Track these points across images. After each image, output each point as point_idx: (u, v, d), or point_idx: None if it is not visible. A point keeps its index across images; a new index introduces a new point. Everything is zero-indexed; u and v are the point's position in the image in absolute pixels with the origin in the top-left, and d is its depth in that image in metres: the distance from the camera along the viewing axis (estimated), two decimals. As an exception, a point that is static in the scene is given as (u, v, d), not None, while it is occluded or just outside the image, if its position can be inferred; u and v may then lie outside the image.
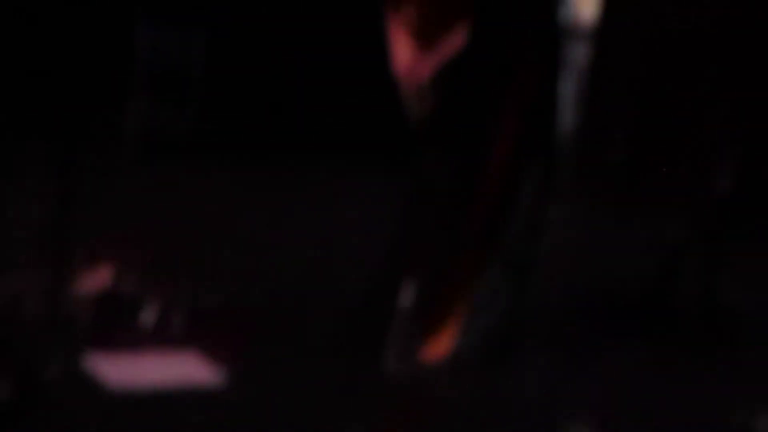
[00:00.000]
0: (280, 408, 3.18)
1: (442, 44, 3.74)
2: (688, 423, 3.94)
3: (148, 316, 3.77)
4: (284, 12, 7.88)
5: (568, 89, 8.10)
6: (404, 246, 4.03)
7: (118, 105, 7.45)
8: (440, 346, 3.80)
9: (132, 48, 7.37)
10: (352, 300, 4.18)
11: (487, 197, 3.87)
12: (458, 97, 3.79)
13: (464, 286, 3.94)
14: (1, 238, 4.39)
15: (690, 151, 7.09)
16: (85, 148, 6.60)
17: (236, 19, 7.80)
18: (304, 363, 3.59)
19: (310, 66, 7.83)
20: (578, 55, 7.67)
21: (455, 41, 3.71)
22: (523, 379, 3.85)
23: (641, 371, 4.15)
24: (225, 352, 3.51)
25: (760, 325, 4.81)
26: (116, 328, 3.64)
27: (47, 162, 3.83)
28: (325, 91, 7.75)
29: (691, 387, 4.39)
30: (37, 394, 2.74)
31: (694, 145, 7.09)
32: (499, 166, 3.84)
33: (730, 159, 6.78)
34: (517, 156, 3.88)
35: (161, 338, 3.64)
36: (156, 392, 3.17)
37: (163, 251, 4.81)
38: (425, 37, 3.72)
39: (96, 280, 3.79)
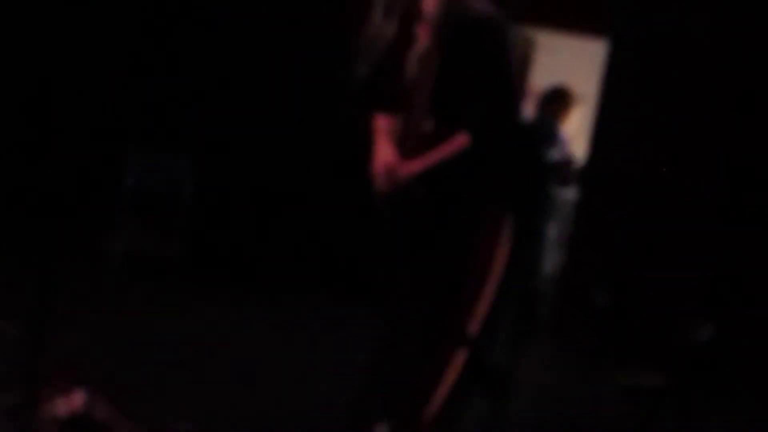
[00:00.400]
0: None
1: (422, 156, 3.83)
2: None
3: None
4: (268, 141, 7.97)
5: (552, 233, 8.10)
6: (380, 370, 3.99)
7: (105, 226, 7.48)
8: None
9: (122, 172, 7.43)
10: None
11: (463, 330, 3.84)
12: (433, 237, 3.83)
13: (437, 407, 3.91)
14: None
15: (668, 305, 7.11)
16: (68, 266, 6.58)
17: (221, 149, 7.85)
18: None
19: (293, 195, 7.89)
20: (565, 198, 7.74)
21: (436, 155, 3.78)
22: None
23: None
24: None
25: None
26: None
27: (29, 279, 3.74)
28: (304, 221, 7.82)
29: None
30: None
31: (672, 299, 7.11)
32: (473, 302, 3.82)
33: (704, 315, 6.81)
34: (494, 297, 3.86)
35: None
36: None
37: (141, 372, 4.73)
38: (406, 148, 3.81)
39: (69, 402, 3.65)
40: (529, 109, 8.54)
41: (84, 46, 7.46)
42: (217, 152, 7.81)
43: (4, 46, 7.47)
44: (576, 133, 8.20)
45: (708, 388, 5.97)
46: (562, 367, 6.85)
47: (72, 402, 3.63)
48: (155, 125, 7.79)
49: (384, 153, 3.76)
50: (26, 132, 7.39)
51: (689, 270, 7.08)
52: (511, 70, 3.77)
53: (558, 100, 8.06)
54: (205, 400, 4.52)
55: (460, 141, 3.67)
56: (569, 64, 9.56)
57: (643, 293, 7.19)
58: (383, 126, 3.88)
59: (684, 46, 7.31)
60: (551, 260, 8.22)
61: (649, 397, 6.01)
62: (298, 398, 4.45)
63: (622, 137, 7.61)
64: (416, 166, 3.67)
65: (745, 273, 6.88)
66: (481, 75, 3.67)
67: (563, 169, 7.97)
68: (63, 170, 4.62)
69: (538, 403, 5.90)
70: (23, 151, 7.34)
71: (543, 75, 9.39)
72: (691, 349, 6.60)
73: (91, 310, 5.95)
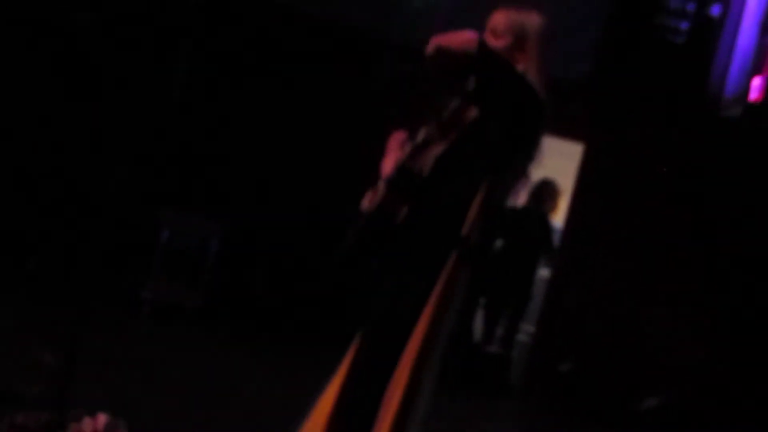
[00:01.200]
0: None
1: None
2: None
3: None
4: (286, 208, 7.99)
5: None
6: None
7: (140, 277, 7.55)
8: None
9: (156, 230, 7.49)
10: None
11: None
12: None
13: None
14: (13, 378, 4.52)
15: (621, 375, 7.18)
16: (105, 309, 6.70)
17: (244, 214, 7.89)
18: None
19: (307, 255, 7.81)
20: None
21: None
22: None
23: None
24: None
25: None
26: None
27: (70, 318, 3.88)
28: (316, 277, 7.73)
29: None
30: None
31: (625, 371, 7.18)
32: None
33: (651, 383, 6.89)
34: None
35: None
36: None
37: (159, 402, 4.77)
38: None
39: (94, 422, 3.81)
40: (521, 199, 8.65)
41: (130, 126, 7.66)
42: (241, 217, 7.85)
43: (58, 118, 7.69)
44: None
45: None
46: (531, 425, 6.86)
47: (96, 423, 3.77)
48: (189, 191, 7.87)
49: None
50: (79, 195, 7.53)
51: (640, 347, 7.22)
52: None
53: (546, 192, 8.21)
54: (215, 429, 4.61)
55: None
56: (554, 161, 9.77)
57: (601, 364, 7.31)
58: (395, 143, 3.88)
59: (645, 150, 7.52)
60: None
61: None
62: None
63: (591, 228, 7.73)
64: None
65: (687, 352, 6.98)
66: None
67: (552, 254, 8.11)
68: (109, 227, 4.74)
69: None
70: (77, 210, 7.42)
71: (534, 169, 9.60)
72: (638, 415, 6.71)
73: (121, 347, 6.07)
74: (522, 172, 3.90)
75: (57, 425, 3.66)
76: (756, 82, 7.24)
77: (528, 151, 3.78)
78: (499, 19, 3.77)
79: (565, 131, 8.32)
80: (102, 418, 3.85)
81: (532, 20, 3.80)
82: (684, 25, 7.45)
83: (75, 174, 7.55)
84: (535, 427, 6.87)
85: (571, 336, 7.59)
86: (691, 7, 7.42)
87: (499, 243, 8.40)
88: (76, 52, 7.62)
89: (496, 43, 3.72)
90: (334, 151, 7.82)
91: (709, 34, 7.42)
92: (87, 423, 3.81)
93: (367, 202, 3.91)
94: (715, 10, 7.38)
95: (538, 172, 9.34)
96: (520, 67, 3.67)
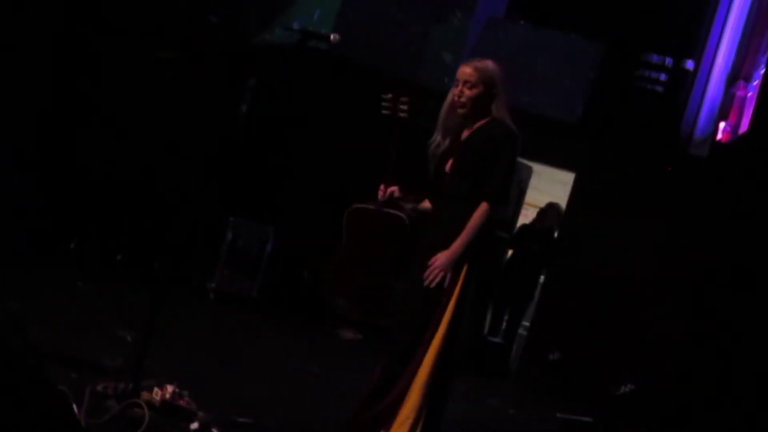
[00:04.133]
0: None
1: None
2: None
3: (194, 425, 3.67)
4: (328, 217, 7.96)
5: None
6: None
7: (208, 271, 7.50)
8: None
9: (223, 233, 7.52)
10: None
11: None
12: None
13: None
14: (97, 351, 4.42)
15: (601, 365, 7.06)
16: (177, 296, 6.65)
17: (295, 221, 7.80)
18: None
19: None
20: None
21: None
22: None
23: None
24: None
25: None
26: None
27: (147, 304, 3.80)
28: None
29: None
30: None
31: (604, 361, 7.06)
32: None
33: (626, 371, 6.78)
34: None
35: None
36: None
37: (217, 376, 4.70)
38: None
39: (162, 392, 3.69)
40: (531, 218, 8.65)
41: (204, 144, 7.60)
42: (293, 223, 7.79)
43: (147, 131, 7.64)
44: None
45: (622, 426, 5.92)
46: (523, 402, 6.76)
47: (164, 392, 3.68)
48: (251, 200, 7.81)
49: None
50: (160, 200, 7.54)
51: (616, 342, 7.06)
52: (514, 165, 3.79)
53: (551, 212, 8.15)
54: (264, 402, 4.48)
55: (483, 208, 3.67)
56: (551, 186, 9.65)
57: (583, 355, 7.14)
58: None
59: (626, 180, 7.37)
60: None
61: (581, 429, 5.96)
62: (335, 407, 4.29)
63: (579, 241, 7.61)
64: (458, 246, 3.64)
65: (657, 347, 6.85)
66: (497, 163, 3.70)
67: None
68: (184, 228, 4.75)
69: (504, 426, 5.85)
70: (158, 212, 7.46)
71: (534, 192, 9.51)
72: (615, 398, 6.59)
73: (189, 329, 6.01)
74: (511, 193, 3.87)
75: (131, 393, 3.54)
76: (722, 126, 7.15)
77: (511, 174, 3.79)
78: (469, 72, 3.80)
79: (561, 162, 8.26)
80: (169, 388, 3.74)
81: (494, 68, 3.85)
82: (662, 77, 7.36)
83: (158, 182, 7.50)
84: (526, 405, 6.74)
85: (560, 330, 7.44)
86: (669, 62, 7.34)
87: (509, 253, 8.33)
88: (165, 79, 7.57)
89: (471, 93, 3.76)
90: (366, 175, 7.67)
91: (683, 84, 7.34)
92: (156, 392, 3.70)
93: (380, 194, 3.96)
94: (689, 65, 7.32)
95: (539, 196, 9.28)
96: (494, 109, 3.77)
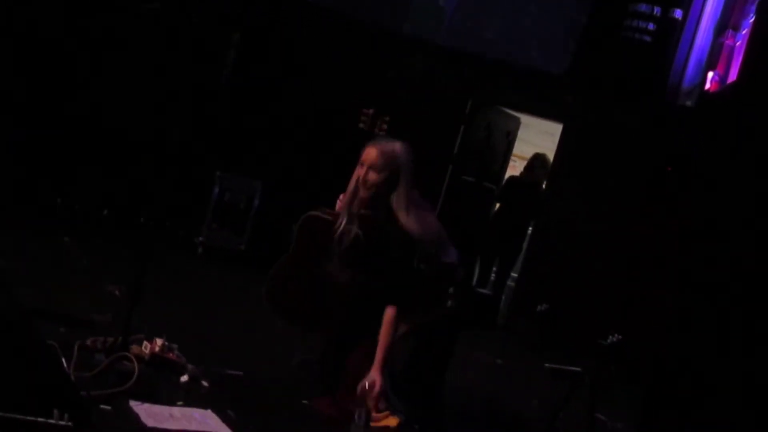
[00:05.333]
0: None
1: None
2: None
3: (184, 377, 3.68)
4: (317, 172, 7.97)
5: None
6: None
7: (195, 225, 7.49)
8: None
9: (210, 188, 7.48)
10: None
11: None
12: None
13: None
14: (86, 307, 4.39)
15: (587, 315, 7.11)
16: (165, 251, 6.63)
17: (283, 175, 7.79)
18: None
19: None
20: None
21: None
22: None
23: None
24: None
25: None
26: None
27: (136, 258, 3.78)
28: None
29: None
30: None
31: (590, 312, 7.11)
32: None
33: (613, 322, 6.80)
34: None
35: (191, 395, 3.54)
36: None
37: (207, 330, 4.71)
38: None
39: (152, 345, 3.69)
40: (519, 170, 8.65)
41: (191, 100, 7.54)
42: (280, 178, 7.77)
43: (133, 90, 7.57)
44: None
45: (610, 376, 5.95)
46: (511, 353, 6.80)
47: (154, 346, 3.68)
48: (237, 156, 7.76)
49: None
50: (148, 157, 7.46)
51: (603, 293, 7.12)
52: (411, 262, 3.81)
53: (538, 163, 8.13)
54: (253, 355, 4.50)
55: (390, 314, 3.70)
56: (539, 137, 9.64)
57: (571, 306, 7.20)
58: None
59: (614, 130, 7.39)
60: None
61: (569, 379, 6.01)
62: (315, 360, 4.27)
63: (566, 191, 7.63)
64: (380, 360, 3.66)
65: (642, 299, 6.90)
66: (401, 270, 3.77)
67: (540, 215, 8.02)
68: (173, 184, 4.69)
69: (492, 377, 5.92)
70: (147, 171, 7.42)
71: (522, 143, 9.49)
72: (601, 348, 6.62)
73: (177, 283, 6.03)
74: None
75: (120, 347, 3.54)
76: (710, 75, 7.12)
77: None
78: (375, 156, 3.80)
79: (549, 113, 8.24)
80: (158, 342, 3.74)
81: (401, 153, 3.83)
82: (651, 26, 7.29)
83: (145, 137, 7.43)
84: (515, 356, 6.79)
85: (548, 282, 7.49)
86: (657, 11, 7.26)
87: (496, 206, 8.33)
88: (148, 33, 7.48)
89: (376, 177, 3.77)
90: (351, 128, 7.68)
91: (672, 34, 7.28)
92: (146, 346, 3.71)
93: (339, 204, 3.99)
94: (678, 14, 7.25)
95: (526, 147, 9.27)
96: (393, 201, 3.76)
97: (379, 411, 3.65)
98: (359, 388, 3.64)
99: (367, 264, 3.89)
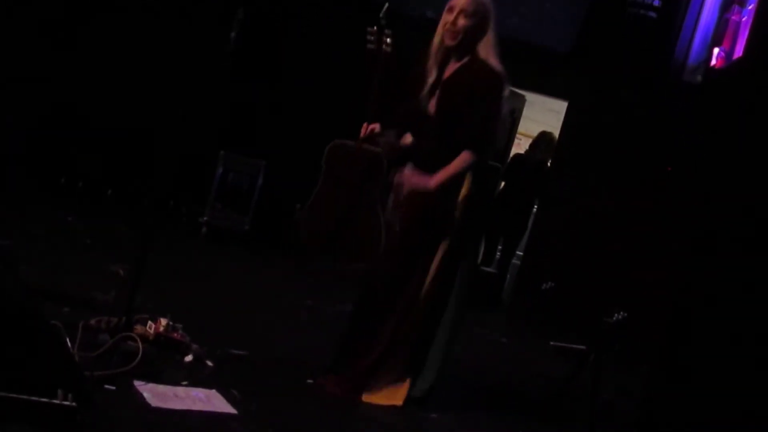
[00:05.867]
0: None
1: None
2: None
3: (189, 357, 3.68)
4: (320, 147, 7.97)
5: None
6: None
7: (199, 205, 7.49)
8: None
9: (213, 168, 7.47)
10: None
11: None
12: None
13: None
14: (90, 287, 4.39)
15: (592, 294, 7.09)
16: (169, 231, 6.64)
17: (286, 156, 7.80)
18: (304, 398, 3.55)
19: None
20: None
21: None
22: None
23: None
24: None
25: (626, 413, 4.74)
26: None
27: (139, 239, 3.76)
28: None
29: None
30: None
31: (595, 291, 7.09)
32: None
33: (618, 300, 6.78)
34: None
35: (195, 375, 3.54)
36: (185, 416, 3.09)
37: (211, 310, 4.71)
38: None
39: (156, 325, 3.68)
40: (524, 148, 8.61)
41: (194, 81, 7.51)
42: (283, 158, 7.75)
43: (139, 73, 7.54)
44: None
45: (615, 354, 5.96)
46: (516, 332, 6.81)
47: (158, 325, 3.68)
48: (240, 135, 7.77)
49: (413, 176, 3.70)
50: (151, 136, 7.48)
51: (608, 272, 7.08)
52: (500, 110, 3.70)
53: (544, 141, 8.10)
54: (258, 335, 4.48)
55: (464, 157, 3.62)
56: (544, 115, 9.61)
57: (576, 284, 7.15)
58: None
59: (619, 108, 7.30)
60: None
61: (574, 357, 6.02)
62: (329, 340, 4.22)
63: (571, 170, 7.59)
64: (440, 178, 3.62)
65: (646, 277, 6.87)
66: (481, 110, 3.63)
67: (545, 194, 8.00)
68: (175, 164, 4.69)
69: (497, 355, 5.89)
70: (150, 151, 7.42)
71: (527, 121, 9.46)
72: (606, 326, 6.62)
73: (182, 263, 6.05)
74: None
75: (124, 327, 3.52)
76: (716, 51, 7.06)
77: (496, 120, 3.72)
78: (466, 1, 3.68)
79: (554, 91, 8.21)
80: (163, 322, 3.73)
81: (490, 3, 3.75)
82: (656, 2, 7.24)
83: (147, 116, 7.43)
84: (519, 334, 6.81)
85: (553, 261, 7.44)
86: (662, -14, 7.22)
87: (500, 184, 8.31)
88: (149, 12, 7.47)
89: (466, 22, 3.66)
90: (355, 108, 7.64)
91: (677, 10, 7.22)
92: (150, 326, 3.71)
93: (363, 132, 3.88)
94: (683, -11, 7.20)
95: (532, 125, 9.22)
96: (480, 48, 3.67)
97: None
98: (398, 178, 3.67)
99: (447, 110, 3.70)
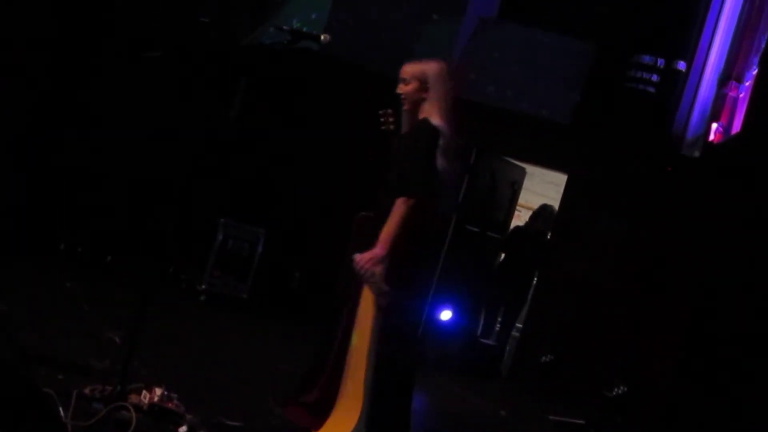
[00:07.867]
0: None
1: None
2: None
3: (183, 428, 3.61)
4: (316, 223, 7.97)
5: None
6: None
7: (198, 271, 7.45)
8: None
9: (213, 235, 7.45)
10: None
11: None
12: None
13: None
14: (84, 353, 4.34)
15: (593, 368, 7.03)
16: (166, 297, 6.59)
17: (285, 224, 7.80)
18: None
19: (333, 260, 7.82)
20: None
21: None
22: None
23: None
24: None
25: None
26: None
27: (135, 305, 3.72)
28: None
29: None
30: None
31: (596, 365, 7.03)
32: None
33: (619, 373, 6.73)
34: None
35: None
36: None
37: (208, 378, 4.65)
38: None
39: (150, 394, 3.62)
40: (524, 220, 8.63)
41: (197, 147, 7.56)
42: (283, 225, 7.77)
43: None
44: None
45: (616, 428, 5.89)
46: (515, 405, 6.74)
47: (153, 395, 3.61)
48: (242, 204, 7.78)
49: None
50: (150, 203, 7.49)
51: (608, 345, 7.03)
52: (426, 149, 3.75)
53: (544, 214, 8.13)
54: (254, 405, 4.40)
55: (397, 204, 3.64)
56: (543, 187, 9.65)
57: (575, 357, 7.13)
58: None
59: (619, 181, 7.35)
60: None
61: (574, 431, 5.94)
62: None
63: (571, 244, 7.55)
64: (382, 239, 3.63)
65: (646, 351, 6.82)
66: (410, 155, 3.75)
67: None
68: (176, 231, 4.66)
69: (495, 430, 5.81)
70: (148, 215, 7.42)
71: (527, 193, 9.49)
72: (607, 400, 6.56)
73: (180, 330, 5.97)
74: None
75: (119, 396, 3.47)
76: (714, 126, 7.13)
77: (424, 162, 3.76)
78: (406, 69, 3.90)
79: (553, 164, 8.23)
80: (158, 391, 3.67)
81: (432, 66, 3.90)
82: (654, 77, 7.32)
83: (148, 183, 7.47)
84: (520, 406, 6.72)
85: (553, 333, 7.41)
86: (660, 62, 7.29)
87: (501, 256, 8.30)
88: (154, 79, 7.55)
89: (405, 88, 3.87)
90: (354, 178, 7.67)
91: (675, 85, 7.30)
92: (145, 395, 3.64)
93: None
94: (681, 65, 7.28)
95: (532, 197, 9.25)
96: (424, 109, 3.83)
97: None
98: (357, 259, 3.65)
99: (392, 164, 3.84)
